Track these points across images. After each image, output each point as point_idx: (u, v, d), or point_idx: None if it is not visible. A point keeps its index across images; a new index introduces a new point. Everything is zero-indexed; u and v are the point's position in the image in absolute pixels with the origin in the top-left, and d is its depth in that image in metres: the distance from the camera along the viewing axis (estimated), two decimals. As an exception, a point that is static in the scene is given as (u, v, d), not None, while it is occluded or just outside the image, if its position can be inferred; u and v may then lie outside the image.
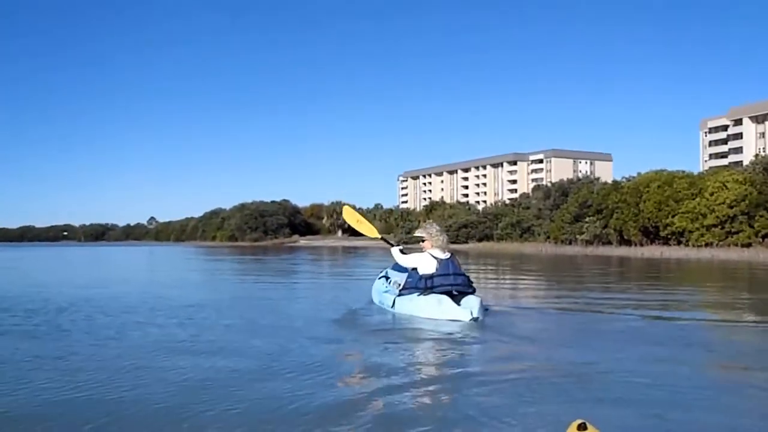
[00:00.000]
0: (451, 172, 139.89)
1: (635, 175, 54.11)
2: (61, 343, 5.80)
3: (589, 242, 50.53)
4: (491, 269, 22.64)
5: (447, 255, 7.31)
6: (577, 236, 51.75)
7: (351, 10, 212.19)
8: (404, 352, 5.52)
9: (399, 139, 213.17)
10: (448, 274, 7.13)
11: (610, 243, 49.53)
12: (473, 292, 7.25)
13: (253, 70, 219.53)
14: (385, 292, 7.93)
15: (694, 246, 42.60)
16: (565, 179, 69.71)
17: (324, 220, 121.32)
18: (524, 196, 79.03)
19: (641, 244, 46.67)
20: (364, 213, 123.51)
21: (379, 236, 9.24)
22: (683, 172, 50.14)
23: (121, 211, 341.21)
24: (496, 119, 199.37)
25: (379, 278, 8.72)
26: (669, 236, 45.34)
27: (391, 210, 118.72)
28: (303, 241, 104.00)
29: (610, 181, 63.05)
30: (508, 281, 16.36)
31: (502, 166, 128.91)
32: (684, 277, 19.19)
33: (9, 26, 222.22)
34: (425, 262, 7.23)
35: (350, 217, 9.32)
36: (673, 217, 44.73)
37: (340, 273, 20.52)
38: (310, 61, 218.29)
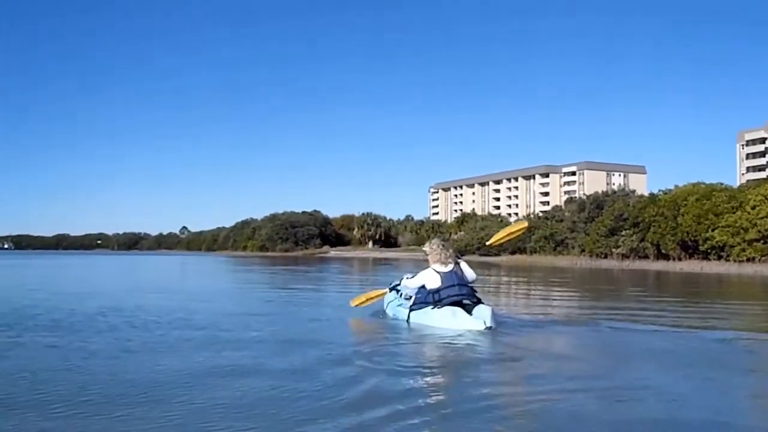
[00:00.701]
0: (482, 184, 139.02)
1: (672, 188, 52.91)
2: (80, 354, 5.68)
3: (625, 256, 49.46)
4: (523, 282, 22.13)
5: (449, 267, 7.65)
6: (613, 250, 50.70)
7: (379, 20, 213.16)
8: (422, 370, 5.26)
9: (430, 151, 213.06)
10: (453, 285, 7.50)
11: (647, 257, 48.40)
12: (479, 301, 7.61)
13: (285, 80, 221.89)
14: (399, 305, 8.21)
15: (735, 261, 41.32)
16: (599, 192, 68.55)
17: (355, 231, 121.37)
18: (557, 208, 77.90)
19: (679, 259, 45.46)
20: (395, 224, 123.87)
21: (388, 288, 9.09)
22: (722, 184, 48.85)
23: (154, 221, 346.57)
24: (528, 131, 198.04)
25: (390, 291, 8.86)
26: (709, 250, 44.07)
27: (422, 222, 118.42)
28: (334, 252, 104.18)
29: (644, 194, 61.77)
30: (539, 294, 15.89)
31: (534, 178, 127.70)
32: (726, 292, 18.44)
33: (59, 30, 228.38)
34: (430, 277, 7.64)
35: (360, 302, 9.05)
36: (712, 230, 43.47)
37: (370, 283, 20.20)
38: (340, 72, 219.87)
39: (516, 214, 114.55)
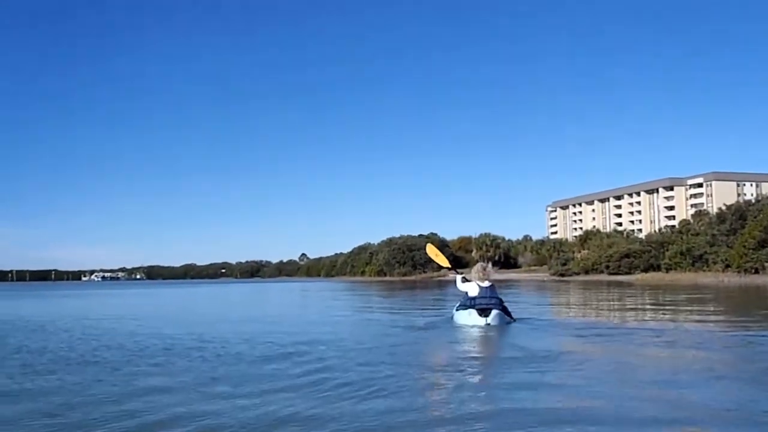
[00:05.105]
0: (602, 201, 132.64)
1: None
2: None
3: (779, 271, 44.32)
4: (677, 305, 19.62)
5: (487, 284, 11.25)
6: (765, 264, 45.58)
7: (491, 29, 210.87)
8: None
9: (547, 169, 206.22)
10: (484, 297, 11.03)
11: (805, 271, 43.08)
12: (504, 309, 11.17)
13: (406, 105, 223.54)
14: (454, 308, 11.76)
15: None
16: (741, 201, 62.63)
17: (473, 253, 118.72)
18: (684, 222, 72.10)
19: None
20: (514, 245, 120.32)
21: (450, 267, 14.14)
22: None
23: (274, 248, 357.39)
24: (649, 143, 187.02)
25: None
26: None
27: (542, 241, 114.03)
28: (452, 275, 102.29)
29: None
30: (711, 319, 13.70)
31: (657, 192, 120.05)
32: None
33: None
34: (473, 288, 11.21)
35: (431, 251, 15.01)
36: None
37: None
38: (455, 91, 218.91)
39: (639, 230, 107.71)
